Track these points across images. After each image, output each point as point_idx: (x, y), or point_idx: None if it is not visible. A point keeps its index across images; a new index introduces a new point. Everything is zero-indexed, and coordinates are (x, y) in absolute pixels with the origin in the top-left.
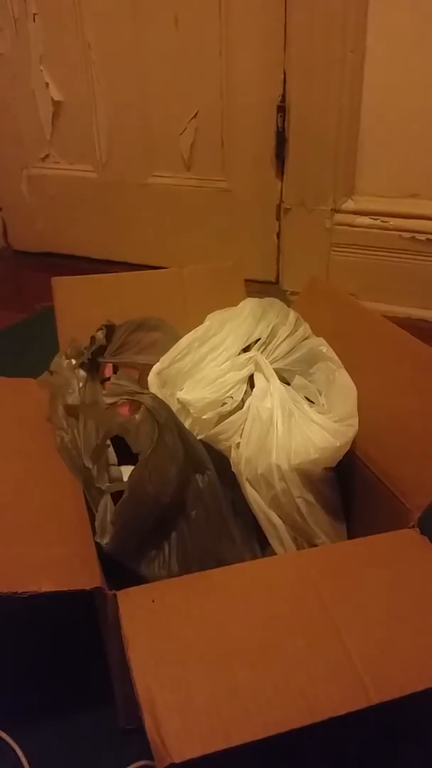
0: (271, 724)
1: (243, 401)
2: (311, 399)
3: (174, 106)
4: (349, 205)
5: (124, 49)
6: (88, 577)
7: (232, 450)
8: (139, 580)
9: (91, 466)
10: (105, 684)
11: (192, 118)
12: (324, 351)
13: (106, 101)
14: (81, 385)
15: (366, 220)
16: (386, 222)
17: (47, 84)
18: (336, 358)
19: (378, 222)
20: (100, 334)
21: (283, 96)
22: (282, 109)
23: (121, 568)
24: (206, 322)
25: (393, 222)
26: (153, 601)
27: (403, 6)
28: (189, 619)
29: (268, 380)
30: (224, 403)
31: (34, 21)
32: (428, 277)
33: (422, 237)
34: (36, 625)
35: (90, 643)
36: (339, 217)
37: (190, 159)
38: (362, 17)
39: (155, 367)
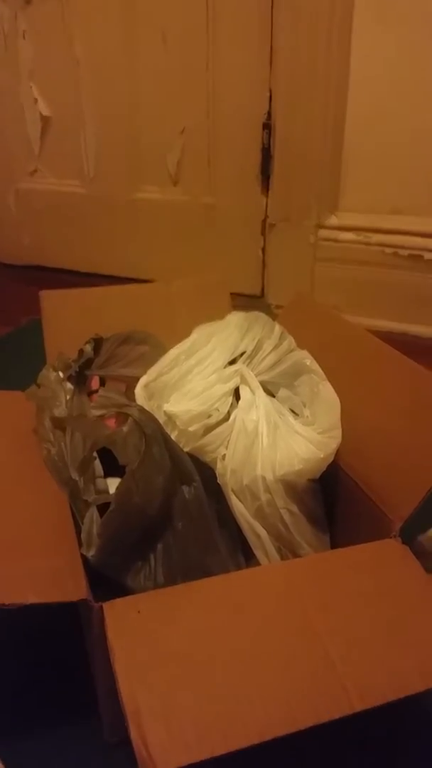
0: (255, 733)
1: (229, 413)
2: (296, 411)
3: (161, 123)
4: (333, 220)
5: (112, 66)
6: (74, 588)
7: (218, 462)
8: (125, 591)
9: (77, 478)
10: (90, 698)
11: (179, 135)
12: (308, 364)
13: (94, 117)
14: (68, 397)
15: (349, 236)
16: (369, 237)
17: (36, 99)
18: (320, 370)
19: (361, 237)
20: (88, 347)
21: (269, 114)
22: (268, 127)
23: (107, 580)
24: (193, 336)
25: (376, 237)
26: (139, 612)
27: (386, 27)
28: (175, 630)
29: (253, 392)
30: (210, 415)
31: (24, 38)
32: (410, 292)
33: (404, 252)
34: (19, 639)
35: (74, 657)
36: (323, 232)
37: (177, 175)
38: (346, 37)
39: (142, 380)
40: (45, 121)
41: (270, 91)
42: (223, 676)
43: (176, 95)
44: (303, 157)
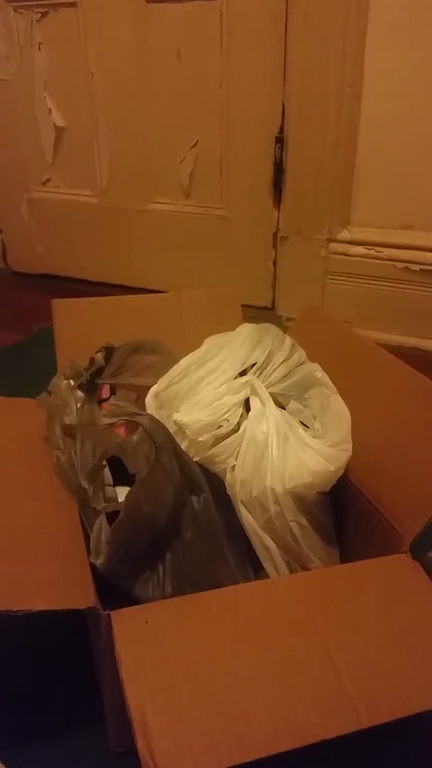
0: (262, 747)
1: (239, 424)
2: (306, 423)
3: (174, 135)
4: (345, 234)
5: (127, 79)
6: (82, 596)
7: (228, 472)
8: (132, 600)
9: (87, 486)
10: (96, 707)
11: (192, 147)
12: (319, 376)
13: (107, 128)
14: (79, 405)
15: (361, 250)
16: (380, 252)
17: (50, 110)
18: (330, 383)
19: (372, 252)
20: (100, 356)
21: (282, 128)
22: (280, 141)
23: (115, 589)
24: (204, 346)
25: (387, 252)
26: (147, 622)
27: (399, 43)
28: (182, 640)
29: (263, 404)
30: (220, 426)
31: (39, 50)
32: (421, 306)
33: (415, 267)
34: (26, 646)
35: (81, 666)
36: (334, 246)
37: (190, 187)
38: (360, 53)
39: (153, 389)
40: (59, 131)
41: (283, 106)
42: (231, 688)
43: (189, 108)
44: (315, 171)
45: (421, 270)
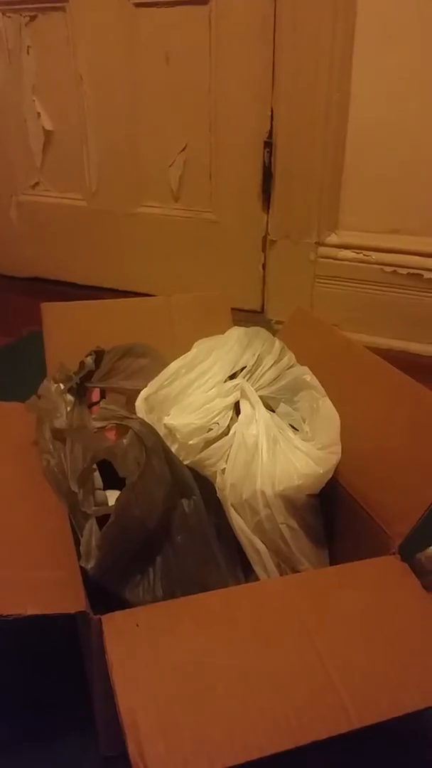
0: (254, 748)
1: (229, 427)
2: (295, 426)
3: (163, 139)
4: (333, 238)
5: (115, 83)
6: (72, 601)
7: (218, 475)
8: (123, 604)
9: (77, 490)
10: (86, 711)
11: (181, 151)
12: (308, 380)
13: (96, 132)
14: (68, 409)
15: (349, 254)
16: (368, 256)
17: (39, 114)
18: (320, 386)
19: (361, 256)
20: (89, 360)
21: (270, 132)
22: (269, 145)
23: (106, 593)
24: (193, 350)
25: (375, 256)
26: (137, 625)
27: (387, 48)
28: (173, 644)
29: (253, 407)
30: (210, 429)
31: (28, 53)
32: (409, 310)
33: (403, 271)
34: (16, 651)
35: (71, 670)
36: (323, 250)
37: (179, 190)
38: (347, 58)
39: (143, 393)
40: (48, 135)
41: (271, 110)
42: (222, 691)
43: (178, 112)
44: (304, 175)
45: (408, 273)
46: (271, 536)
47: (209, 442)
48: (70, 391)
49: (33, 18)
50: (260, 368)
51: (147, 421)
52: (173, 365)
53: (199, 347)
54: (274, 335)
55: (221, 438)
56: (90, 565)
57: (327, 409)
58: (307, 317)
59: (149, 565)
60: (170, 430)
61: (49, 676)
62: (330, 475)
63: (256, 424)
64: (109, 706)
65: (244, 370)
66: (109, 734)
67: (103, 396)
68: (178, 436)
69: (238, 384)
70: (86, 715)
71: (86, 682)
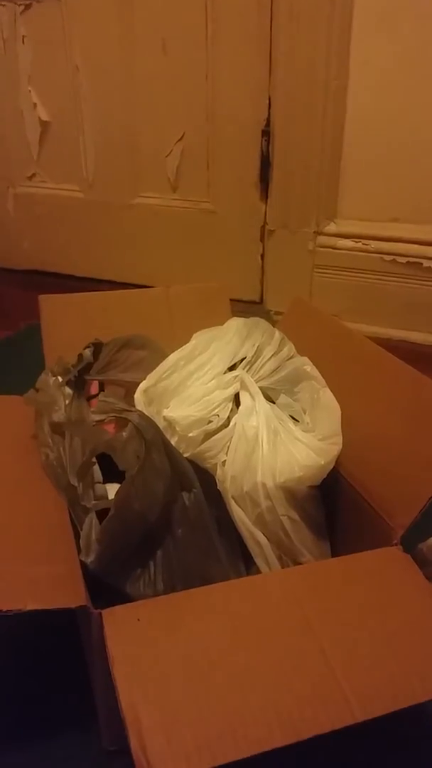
0: (256, 743)
1: (229, 419)
2: (296, 417)
3: (161, 129)
4: (332, 228)
5: (111, 72)
6: (73, 595)
7: (218, 468)
8: (124, 598)
9: (76, 484)
10: (88, 705)
11: (178, 141)
12: (308, 370)
13: (93, 122)
14: (67, 402)
15: (348, 243)
16: (368, 245)
17: (35, 104)
18: (320, 377)
19: (359, 245)
20: (88, 352)
21: (268, 121)
22: (266, 134)
23: (106, 587)
24: (192, 341)
25: (374, 245)
26: (138, 619)
27: (386, 36)
28: (175, 637)
29: (253, 398)
30: (210, 421)
31: (23, 43)
32: (409, 299)
33: (402, 260)
34: (17, 646)
35: (72, 664)
36: (321, 239)
37: (176, 180)
38: (345, 46)
39: (142, 385)
40: (44, 125)
41: (269, 99)
42: (224, 685)
43: (175, 102)
44: (302, 164)
45: (408, 262)
46: (273, 528)
47: (209, 434)
48: (68, 384)
49: (28, 7)
50: (260, 359)
51: (146, 413)
52: (172, 357)
53: (198, 339)
54: (273, 326)
55: (221, 430)
56: (90, 559)
57: (328, 400)
58: (307, 307)
59: (150, 559)
60: (170, 423)
61: (49, 671)
62: (331, 467)
63: (257, 416)
64: (111, 700)
65: (243, 362)
66: (111, 729)
67: (101, 389)
68: (177, 429)
69: (237, 375)
70: (87, 710)
71: (87, 676)
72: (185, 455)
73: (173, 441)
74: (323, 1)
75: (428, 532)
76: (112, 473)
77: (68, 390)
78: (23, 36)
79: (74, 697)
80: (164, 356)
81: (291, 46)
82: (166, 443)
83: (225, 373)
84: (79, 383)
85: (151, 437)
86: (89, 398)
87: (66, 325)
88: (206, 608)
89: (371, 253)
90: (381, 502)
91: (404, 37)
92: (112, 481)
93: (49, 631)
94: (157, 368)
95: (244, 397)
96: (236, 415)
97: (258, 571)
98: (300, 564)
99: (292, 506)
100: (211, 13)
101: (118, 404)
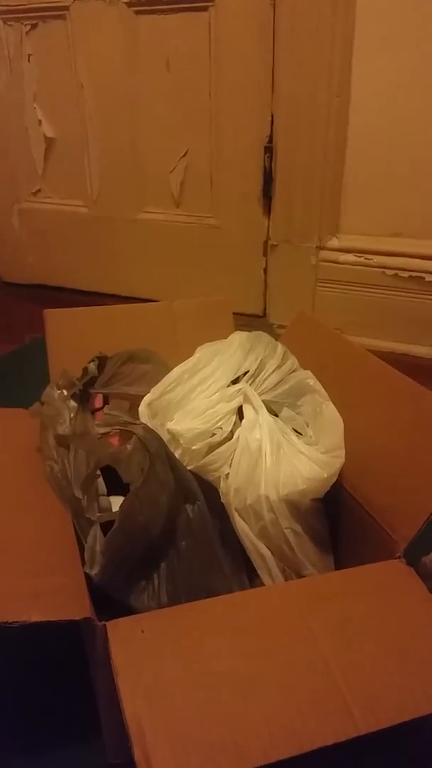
0: (260, 755)
1: (232, 432)
2: (299, 430)
3: (164, 145)
4: (334, 242)
5: (116, 90)
6: (77, 607)
7: (221, 481)
8: (128, 610)
9: (81, 497)
10: (92, 718)
11: (182, 157)
12: (311, 384)
13: (98, 139)
14: (72, 415)
15: (350, 258)
16: (370, 259)
17: (40, 121)
18: (323, 390)
19: (362, 259)
20: (93, 366)
21: (271, 137)
22: (269, 150)
23: (110, 599)
24: (196, 355)
25: (376, 259)
26: (143, 631)
27: (387, 52)
28: (179, 649)
29: (257, 412)
30: (214, 434)
31: (29, 61)
32: (411, 313)
33: (405, 274)
34: (21, 658)
35: (76, 676)
36: (324, 254)
37: (180, 196)
38: (347, 63)
39: (146, 398)
40: (49, 142)
41: (272, 115)
42: (228, 697)
43: (179, 118)
44: (304, 179)
45: (410, 277)
46: (276, 541)
47: (213, 447)
48: (73, 397)
49: (34, 26)
50: (263, 372)
51: (150, 426)
52: (176, 370)
53: (202, 352)
54: (276, 339)
55: (225, 443)
56: (94, 572)
57: (330, 413)
58: (309, 321)
59: (154, 571)
60: (174, 436)
61: (53, 683)
62: (334, 479)
63: (260, 429)
64: (115, 712)
65: (246, 375)
66: (115, 741)
67: (106, 402)
68: (181, 441)
69: (241, 389)
70: (91, 723)
71: (91, 689)
72: (189, 468)
73: (177, 454)
74: (325, 19)
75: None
76: (116, 486)
77: (73, 403)
78: (29, 54)
79: (78, 710)
80: (168, 370)
81: (293, 63)
82: (170, 456)
83: (228, 386)
84: (83, 396)
85: (156, 450)
86: (94, 411)
87: (71, 338)
88: (210, 620)
89: (373, 267)
90: (384, 515)
91: (405, 54)
92: (116, 494)
93: (54, 644)
94: (162, 381)
95: (248, 411)
96: (239, 428)
97: (261, 584)
98: (303, 577)
99: (296, 519)
100: (214, 32)
101: (123, 417)
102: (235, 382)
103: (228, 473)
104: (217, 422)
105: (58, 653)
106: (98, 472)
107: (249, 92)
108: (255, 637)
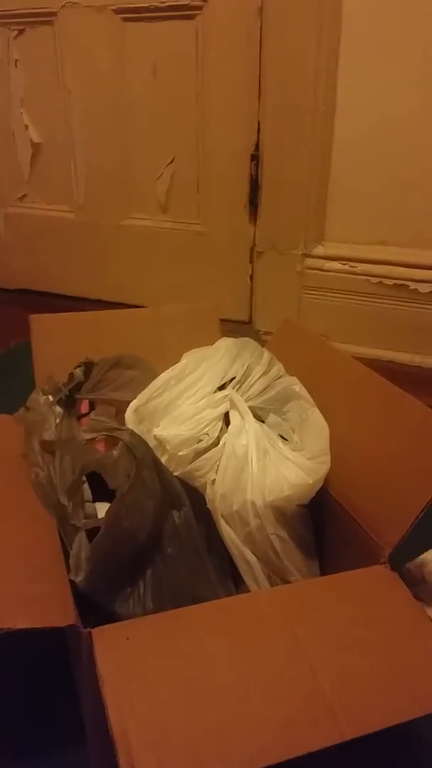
0: (246, 761)
1: (218, 438)
2: (285, 436)
3: (151, 152)
4: (319, 250)
5: (103, 95)
6: (62, 614)
7: (208, 487)
8: (113, 617)
9: (66, 503)
10: (76, 727)
11: (168, 164)
12: (297, 390)
13: (84, 144)
14: (58, 421)
15: (335, 265)
16: (355, 267)
17: (27, 126)
18: (309, 397)
19: (347, 267)
20: (79, 371)
21: (257, 145)
22: (255, 158)
23: (96, 606)
24: (183, 361)
25: (361, 267)
26: (128, 638)
27: (372, 61)
28: (164, 656)
29: (243, 418)
30: (200, 440)
31: (16, 66)
32: (396, 321)
33: (389, 282)
34: (4, 666)
35: (61, 685)
36: (309, 261)
37: (167, 203)
38: (333, 71)
39: (132, 404)
40: (35, 147)
41: (258, 123)
42: (213, 704)
43: (166, 125)
44: (290, 187)
45: (395, 284)
46: (262, 547)
47: (199, 453)
48: (59, 402)
49: (21, 32)
50: (249, 379)
51: (137, 432)
52: (162, 376)
53: (189, 358)
54: (262, 346)
55: (211, 449)
56: (79, 578)
57: (316, 419)
58: (295, 328)
59: (139, 578)
60: (160, 442)
61: (47, 686)
62: (320, 485)
63: (246, 435)
64: (99, 720)
65: (233, 381)
66: (99, 749)
67: (92, 408)
68: (168, 448)
69: (227, 395)
70: (75, 732)
71: (76, 697)
72: (175, 474)
73: (163, 460)
74: (311, 27)
75: (416, 551)
76: (102, 492)
77: (59, 409)
78: (16, 60)
79: (71, 713)
80: (155, 376)
81: (280, 71)
82: (156, 462)
83: (215, 392)
84: (69, 402)
85: (142, 456)
86: (80, 417)
87: (56, 344)
88: (196, 627)
89: (358, 275)
90: (369, 521)
91: (391, 62)
92: (102, 500)
93: (38, 651)
94: (148, 387)
95: (234, 417)
96: (226, 434)
97: (247, 590)
98: (289, 582)
99: (281, 525)
100: (201, 40)
101: (109, 423)
102: (221, 388)
103: (214, 479)
104: (203, 428)
105: (50, 656)
106: (84, 478)
107: (236, 100)
108: (240, 643)
